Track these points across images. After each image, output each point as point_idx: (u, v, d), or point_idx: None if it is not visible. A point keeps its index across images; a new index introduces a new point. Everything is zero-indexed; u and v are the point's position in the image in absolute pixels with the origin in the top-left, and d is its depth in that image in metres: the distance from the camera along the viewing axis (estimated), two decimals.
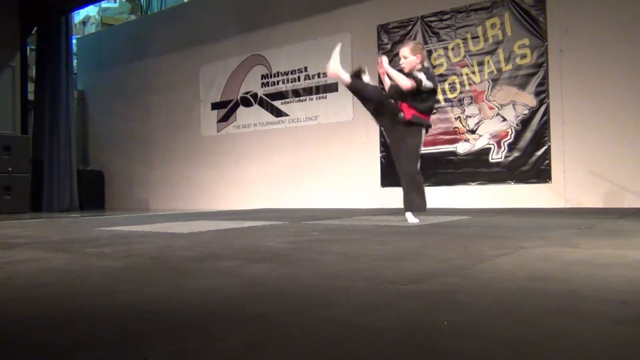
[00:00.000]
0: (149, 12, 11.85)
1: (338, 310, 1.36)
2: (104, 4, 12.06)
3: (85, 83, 11.50)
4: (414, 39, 7.31)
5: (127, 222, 5.17)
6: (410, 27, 7.30)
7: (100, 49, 11.22)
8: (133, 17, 11.94)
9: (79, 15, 12.37)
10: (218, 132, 9.39)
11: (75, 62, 11.11)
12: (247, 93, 9.05)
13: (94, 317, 1.36)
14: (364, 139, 7.74)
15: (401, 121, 4.12)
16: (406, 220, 4.09)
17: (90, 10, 12.43)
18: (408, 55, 4.16)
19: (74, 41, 11.04)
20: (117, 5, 12.32)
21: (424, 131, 4.19)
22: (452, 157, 6.89)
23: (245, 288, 1.69)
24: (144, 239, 3.36)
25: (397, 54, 7.42)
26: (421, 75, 4.04)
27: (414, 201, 4.07)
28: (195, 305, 1.46)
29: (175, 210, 8.74)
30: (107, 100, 11.04)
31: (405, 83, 4.02)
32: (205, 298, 1.54)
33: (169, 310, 1.41)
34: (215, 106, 9.44)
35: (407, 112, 4.12)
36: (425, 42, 7.20)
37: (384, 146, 7.53)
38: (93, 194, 10.48)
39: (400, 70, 4.21)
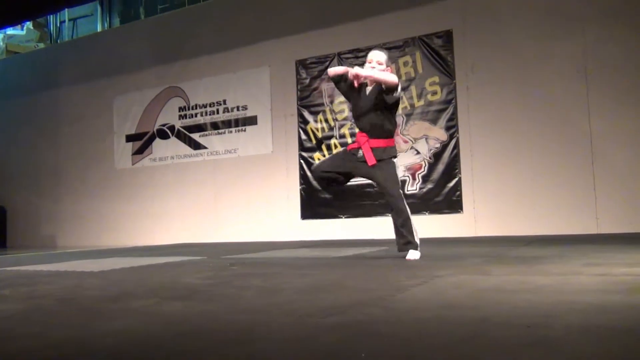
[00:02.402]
0: (59, 41, 11.40)
1: (259, 346, 1.34)
2: (9, 31, 11.48)
3: None
4: None
5: (32, 261, 4.84)
6: (327, 62, 7.51)
7: (5, 78, 10.64)
8: (42, 45, 11.44)
9: None
10: (133, 164, 9.10)
11: None
12: (164, 125, 8.86)
13: None
14: (284, 172, 7.77)
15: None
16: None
17: None
18: (384, 63, 3.62)
19: None
20: (24, 32, 11.76)
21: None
22: (369, 189, 7.06)
23: (162, 327, 1.62)
24: (49, 278, 3.16)
25: (315, 89, 7.66)
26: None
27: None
28: (108, 348, 1.38)
29: (86, 247, 8.29)
30: (12, 131, 10.44)
31: (394, 78, 3.51)
32: (119, 339, 1.47)
33: (77, 355, 1.32)
34: (130, 138, 9.16)
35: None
36: None
37: (304, 179, 7.60)
38: None
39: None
